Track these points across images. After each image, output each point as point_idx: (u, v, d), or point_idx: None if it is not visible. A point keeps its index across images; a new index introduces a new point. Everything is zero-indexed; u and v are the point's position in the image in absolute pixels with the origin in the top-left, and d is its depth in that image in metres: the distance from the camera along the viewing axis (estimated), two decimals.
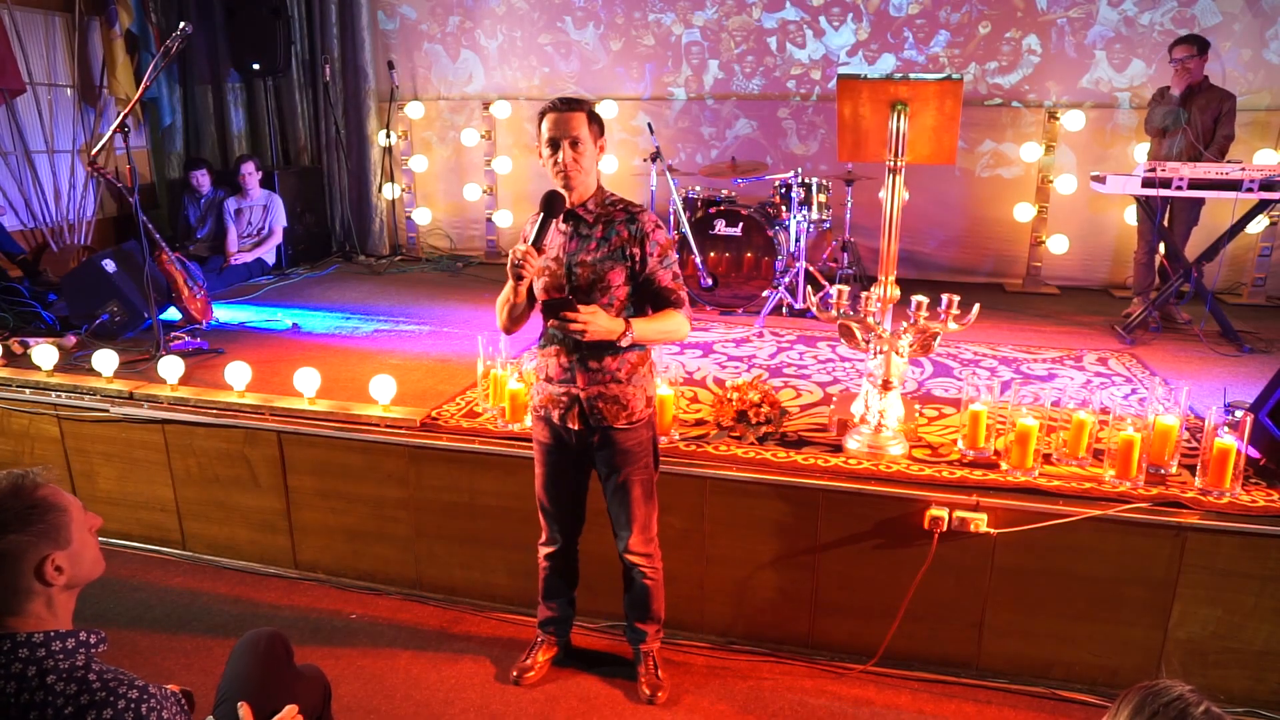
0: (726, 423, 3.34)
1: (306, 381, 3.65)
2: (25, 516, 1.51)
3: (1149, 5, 5.94)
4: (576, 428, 2.60)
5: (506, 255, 2.72)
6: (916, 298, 3.06)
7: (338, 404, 3.64)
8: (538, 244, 2.42)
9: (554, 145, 2.44)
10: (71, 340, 4.50)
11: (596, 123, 2.48)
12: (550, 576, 2.93)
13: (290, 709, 1.98)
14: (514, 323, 2.62)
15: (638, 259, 2.51)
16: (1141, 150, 5.79)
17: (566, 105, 2.44)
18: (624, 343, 2.46)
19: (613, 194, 2.60)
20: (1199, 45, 5.00)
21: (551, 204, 2.45)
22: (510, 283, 2.48)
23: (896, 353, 3.09)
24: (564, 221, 2.54)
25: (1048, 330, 5.14)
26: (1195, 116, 5.04)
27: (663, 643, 3.00)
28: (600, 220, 2.53)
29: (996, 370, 4.25)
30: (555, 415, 2.63)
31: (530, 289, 2.57)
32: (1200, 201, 5.04)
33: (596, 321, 2.39)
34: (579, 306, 2.38)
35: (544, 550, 2.90)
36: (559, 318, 2.38)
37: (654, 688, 2.88)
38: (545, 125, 2.45)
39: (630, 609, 2.90)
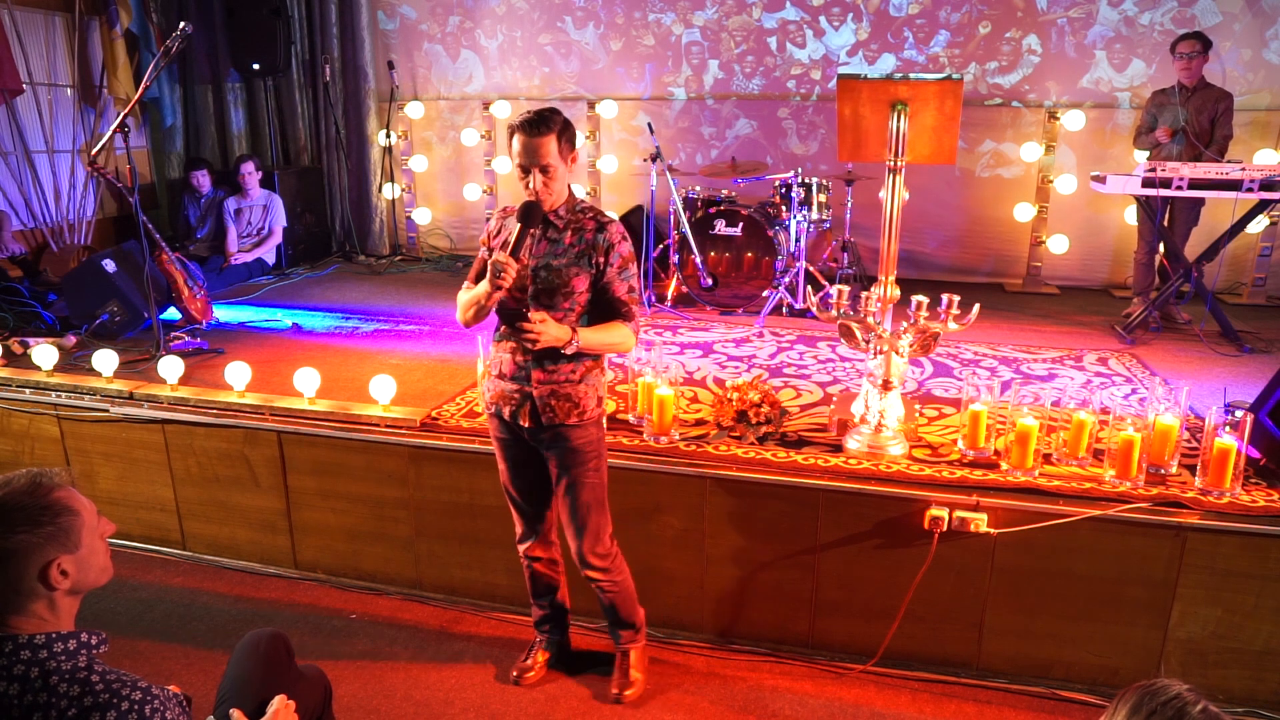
0: (726, 423, 3.34)
1: (306, 381, 3.65)
2: (36, 517, 1.50)
3: (1149, 5, 5.94)
4: (527, 425, 2.61)
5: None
6: (916, 298, 3.07)
7: (338, 404, 3.64)
8: (516, 253, 2.44)
9: (525, 171, 2.46)
10: (71, 340, 4.50)
11: (567, 139, 2.48)
12: (534, 574, 2.94)
13: (280, 699, 1.98)
14: (477, 319, 2.63)
15: (601, 267, 2.54)
16: (1141, 150, 5.79)
17: (534, 129, 2.42)
18: (569, 350, 2.49)
19: (584, 201, 2.63)
20: (1203, 43, 5.01)
21: (530, 214, 2.47)
22: (484, 286, 2.49)
23: (896, 353, 3.09)
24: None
25: (1048, 330, 5.14)
26: (1193, 117, 5.05)
27: (661, 643, 3.00)
28: (570, 226, 2.55)
29: (996, 370, 4.25)
30: (506, 412, 2.64)
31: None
32: (1200, 201, 5.05)
33: (547, 330, 2.42)
34: (530, 315, 2.41)
35: (522, 547, 2.90)
36: (513, 326, 2.43)
37: (621, 687, 2.89)
38: (515, 148, 2.45)
39: (604, 616, 2.92)
